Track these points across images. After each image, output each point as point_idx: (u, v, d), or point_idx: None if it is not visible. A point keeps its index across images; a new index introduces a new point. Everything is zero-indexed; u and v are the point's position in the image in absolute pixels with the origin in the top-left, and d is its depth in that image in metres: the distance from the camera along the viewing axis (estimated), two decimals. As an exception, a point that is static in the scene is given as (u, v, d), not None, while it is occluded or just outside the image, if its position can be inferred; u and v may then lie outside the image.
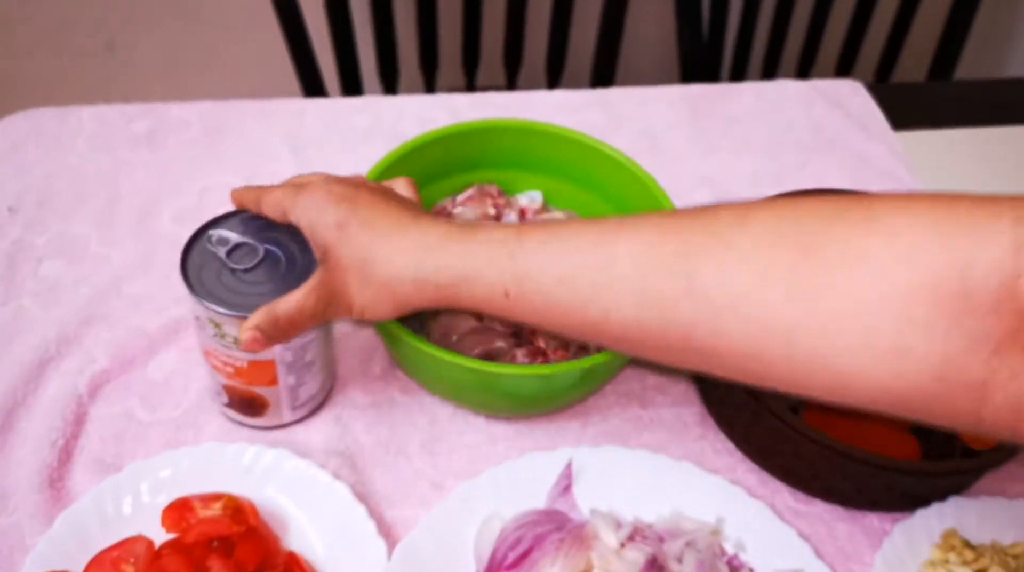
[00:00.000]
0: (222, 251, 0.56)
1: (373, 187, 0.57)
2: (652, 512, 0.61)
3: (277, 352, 0.57)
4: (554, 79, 1.41)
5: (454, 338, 0.64)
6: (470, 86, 1.44)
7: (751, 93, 0.97)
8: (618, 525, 0.58)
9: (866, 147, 0.92)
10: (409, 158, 0.69)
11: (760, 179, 0.88)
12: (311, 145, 0.85)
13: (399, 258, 0.52)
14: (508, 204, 0.72)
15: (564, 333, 0.54)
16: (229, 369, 0.58)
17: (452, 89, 1.46)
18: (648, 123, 0.92)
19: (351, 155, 0.84)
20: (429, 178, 0.72)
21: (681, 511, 0.61)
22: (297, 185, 0.56)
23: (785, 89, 0.99)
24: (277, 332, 0.54)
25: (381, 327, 0.59)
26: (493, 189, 0.73)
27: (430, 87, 1.42)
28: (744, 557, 0.59)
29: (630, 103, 0.94)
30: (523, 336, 0.65)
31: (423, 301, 0.54)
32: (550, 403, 0.65)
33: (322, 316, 0.55)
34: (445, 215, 0.71)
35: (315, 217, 0.54)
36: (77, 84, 1.68)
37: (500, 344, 0.63)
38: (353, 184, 0.56)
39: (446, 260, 0.52)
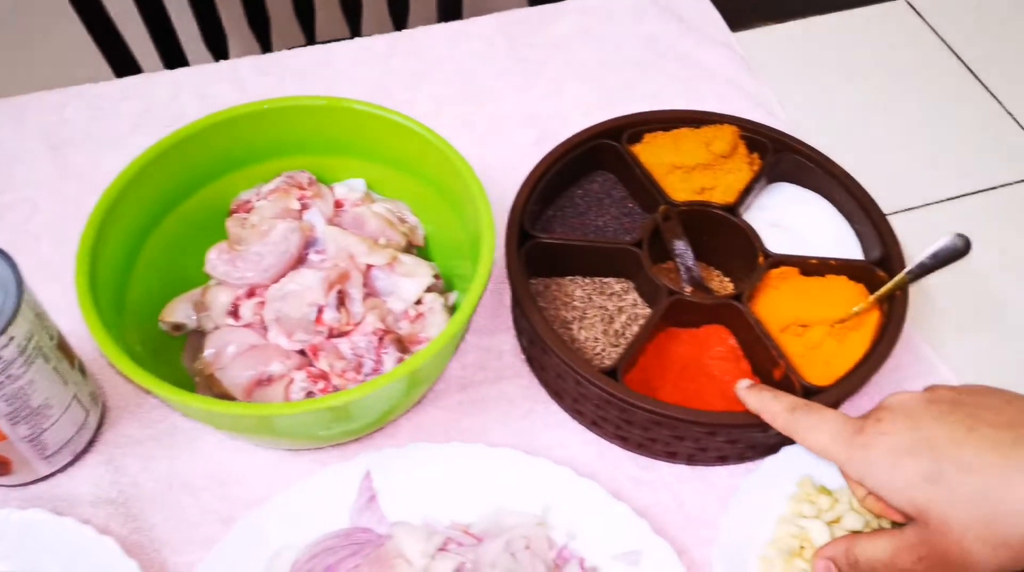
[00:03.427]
0: None
1: (939, 400, 0.46)
2: (472, 511, 0.54)
3: (-18, 405, 0.48)
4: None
5: (230, 350, 0.56)
6: (309, 39, 1.32)
7: (575, 12, 0.88)
8: (430, 533, 0.52)
9: (703, 55, 0.85)
10: (188, 145, 0.58)
11: (588, 109, 0.79)
12: (73, 142, 0.74)
13: None
14: (319, 194, 0.62)
15: None
16: (-60, 430, 0.49)
17: (292, 45, 1.36)
18: (462, 63, 0.83)
19: (121, 149, 0.73)
20: (229, 165, 0.62)
21: (503, 505, 0.54)
22: (851, 439, 0.47)
23: (613, 3, 0.90)
24: None
25: (127, 367, 0.48)
26: (304, 177, 0.62)
27: (265, 47, 1.30)
28: (575, 546, 0.53)
29: (441, 43, 0.85)
30: (306, 354, 0.56)
31: None
32: (351, 433, 0.56)
33: None
34: (247, 210, 0.61)
35: (884, 477, 0.45)
36: None
37: (276, 366, 0.54)
38: (912, 408, 0.46)
39: None
